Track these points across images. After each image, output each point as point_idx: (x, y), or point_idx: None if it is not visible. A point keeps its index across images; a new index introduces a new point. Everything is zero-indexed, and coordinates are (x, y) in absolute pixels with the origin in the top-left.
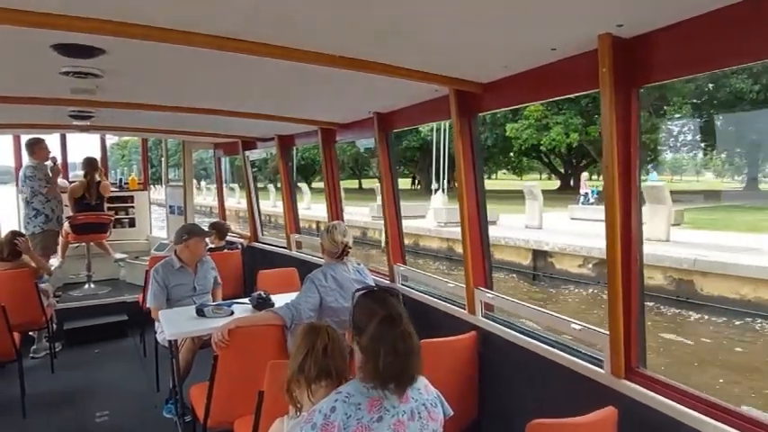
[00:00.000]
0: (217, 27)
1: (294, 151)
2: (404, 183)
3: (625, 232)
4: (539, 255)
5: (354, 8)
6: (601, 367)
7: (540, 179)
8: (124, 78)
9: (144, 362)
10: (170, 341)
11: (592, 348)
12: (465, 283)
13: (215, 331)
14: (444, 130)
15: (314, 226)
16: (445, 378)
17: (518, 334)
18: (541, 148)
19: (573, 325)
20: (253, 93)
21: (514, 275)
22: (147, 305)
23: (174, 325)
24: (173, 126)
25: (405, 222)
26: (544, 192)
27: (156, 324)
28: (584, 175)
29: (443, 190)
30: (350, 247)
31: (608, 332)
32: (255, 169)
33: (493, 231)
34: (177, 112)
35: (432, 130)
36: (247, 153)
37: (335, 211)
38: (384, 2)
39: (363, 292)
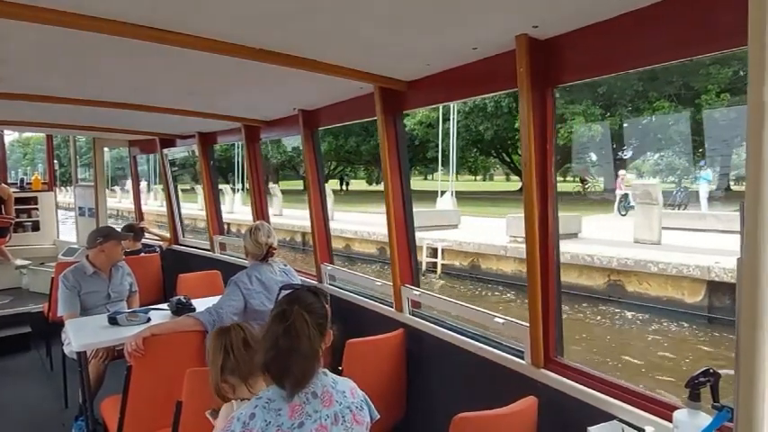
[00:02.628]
0: (125, 13)
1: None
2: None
3: (542, 229)
4: (717, 288)
5: (277, 2)
6: (522, 358)
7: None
8: (22, 67)
9: (50, 377)
10: (78, 353)
11: (514, 341)
12: (392, 281)
13: (128, 340)
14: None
15: (298, 238)
16: (373, 376)
17: (444, 330)
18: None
19: (496, 319)
20: (169, 87)
21: (685, 323)
22: (59, 313)
23: (82, 335)
24: (81, 121)
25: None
26: (505, 193)
27: (63, 335)
28: (622, 172)
29: (452, 193)
30: (275, 248)
31: (528, 324)
32: (176, 168)
33: (588, 248)
34: (85, 105)
35: (419, 123)
36: (165, 151)
37: (260, 211)
38: None
39: (287, 291)
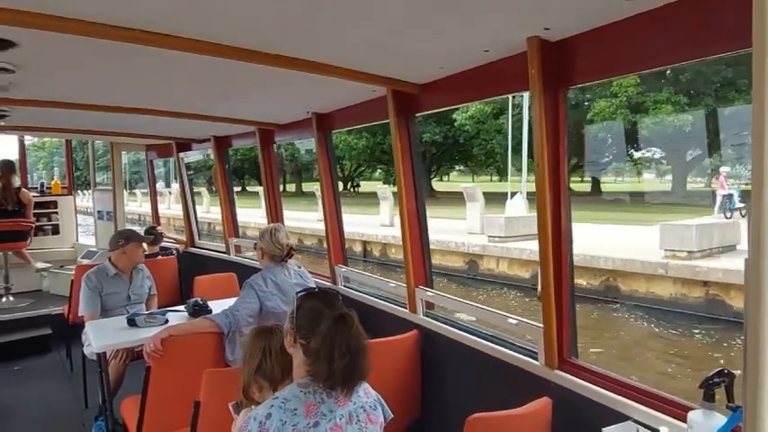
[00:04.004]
0: (141, 20)
1: (230, 153)
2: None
3: (555, 230)
4: None
5: (289, 5)
6: (536, 359)
7: (491, 180)
8: (41, 74)
9: (71, 377)
10: (98, 354)
11: (528, 342)
12: (406, 282)
13: (147, 341)
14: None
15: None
16: (388, 377)
17: (458, 331)
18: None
19: (509, 320)
20: (185, 91)
21: None
22: (80, 313)
23: (102, 336)
24: (98, 126)
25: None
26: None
27: (83, 336)
28: (724, 169)
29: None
30: (294, 250)
31: (542, 326)
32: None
33: None
34: (102, 111)
35: (470, 118)
36: (182, 155)
37: (275, 214)
38: (320, 3)
39: (304, 293)
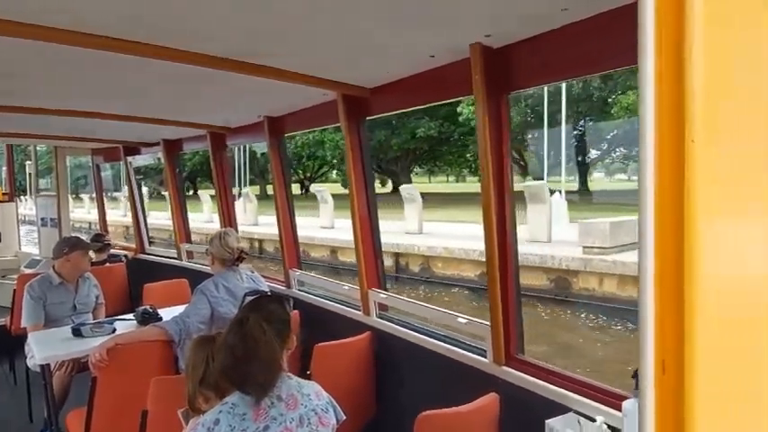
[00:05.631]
0: (88, 23)
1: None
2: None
3: (501, 231)
4: None
5: (236, 9)
6: (485, 357)
7: (447, 181)
8: None
9: (14, 391)
10: (42, 366)
11: (476, 340)
12: (359, 285)
13: (92, 351)
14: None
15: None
16: (342, 379)
17: (411, 331)
18: None
19: (459, 319)
20: (132, 94)
21: None
22: (23, 324)
23: (45, 347)
24: (41, 130)
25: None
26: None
27: (26, 348)
28: None
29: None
30: (246, 253)
31: (489, 324)
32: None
33: None
34: (45, 114)
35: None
36: (130, 159)
37: (228, 218)
38: (268, 6)
39: (252, 297)
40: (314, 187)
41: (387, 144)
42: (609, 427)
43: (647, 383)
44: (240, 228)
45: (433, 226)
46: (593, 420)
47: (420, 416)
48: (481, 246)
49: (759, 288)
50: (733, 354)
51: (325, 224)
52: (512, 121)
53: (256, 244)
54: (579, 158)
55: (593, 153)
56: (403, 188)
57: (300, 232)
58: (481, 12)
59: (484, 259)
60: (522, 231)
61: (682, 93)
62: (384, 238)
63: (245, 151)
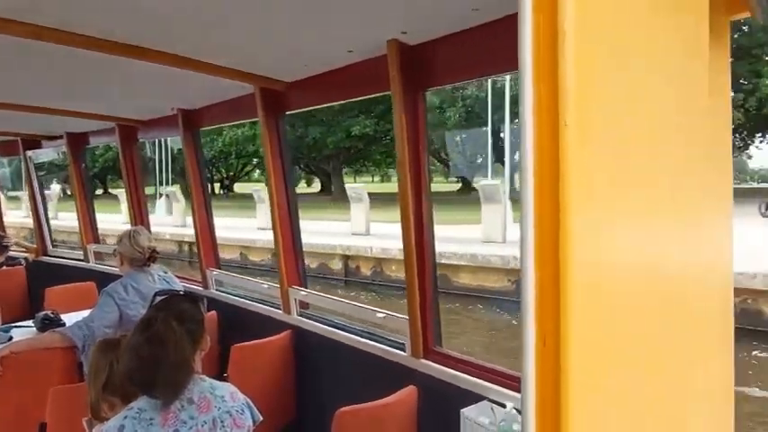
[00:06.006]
0: None
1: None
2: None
3: (418, 227)
4: None
5: None
6: (404, 350)
7: (372, 181)
8: None
9: None
10: None
11: (396, 334)
12: (279, 283)
13: None
14: None
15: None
16: (261, 379)
17: (332, 329)
18: None
19: (378, 314)
20: (29, 82)
21: None
22: None
23: None
24: None
25: None
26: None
27: None
28: None
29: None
30: (157, 252)
31: (408, 317)
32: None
33: None
34: None
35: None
36: (30, 154)
37: (140, 217)
38: None
39: (162, 297)
40: (252, 187)
41: (322, 142)
42: (518, 411)
43: (530, 355)
44: (168, 230)
45: (379, 227)
46: (504, 407)
47: (338, 412)
48: (440, 247)
49: (626, 269)
50: (603, 328)
51: (263, 225)
52: (450, 120)
53: (186, 247)
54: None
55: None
56: (350, 187)
57: (238, 234)
58: (397, 8)
59: (443, 261)
60: (477, 231)
61: (555, 89)
62: (330, 240)
63: (166, 148)
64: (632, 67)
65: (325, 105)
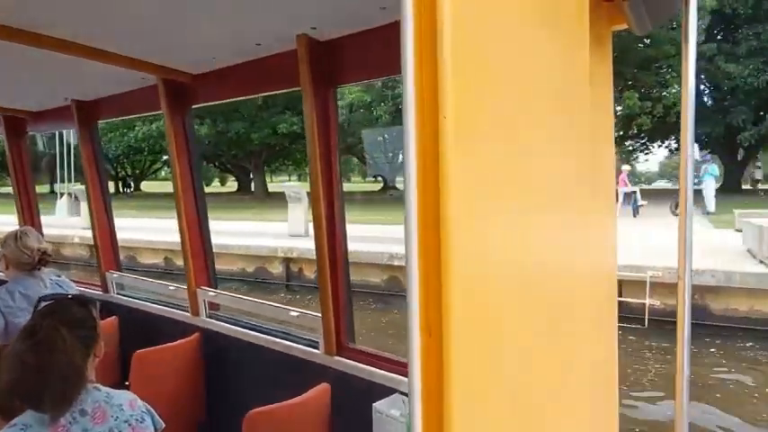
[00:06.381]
0: None
1: None
2: None
3: (330, 224)
4: None
5: None
6: (317, 348)
7: (290, 179)
8: None
9: None
10: None
11: (310, 332)
12: (187, 284)
13: None
14: None
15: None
16: (166, 386)
17: (244, 329)
18: None
19: (291, 313)
20: None
21: None
22: None
23: None
24: None
25: None
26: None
27: None
28: (626, 168)
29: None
30: (49, 255)
31: (321, 315)
32: None
33: None
34: None
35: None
36: None
37: (29, 217)
38: None
39: (48, 302)
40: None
41: (245, 138)
42: None
43: (415, 345)
44: (78, 232)
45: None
46: None
47: (248, 414)
48: (392, 248)
49: (507, 262)
50: (485, 319)
51: (298, 231)
52: (380, 119)
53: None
54: None
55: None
56: (287, 186)
57: (166, 237)
58: (307, 3)
59: (396, 263)
60: (395, 232)
61: (435, 88)
62: (268, 242)
63: (68, 144)
64: (513, 67)
65: (245, 99)
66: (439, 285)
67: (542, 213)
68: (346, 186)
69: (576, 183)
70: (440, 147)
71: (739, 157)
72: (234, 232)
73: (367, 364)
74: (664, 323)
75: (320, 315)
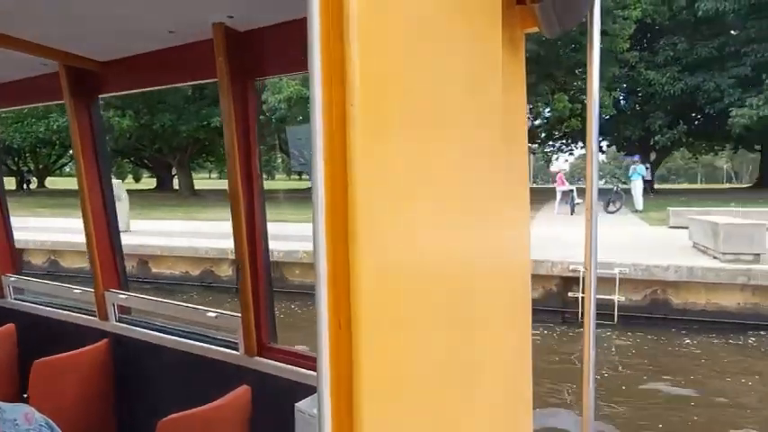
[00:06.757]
0: None
1: None
2: None
3: (249, 221)
4: None
5: None
6: (237, 349)
7: (210, 177)
8: None
9: None
10: None
11: (229, 334)
12: (94, 287)
13: None
14: None
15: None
16: (71, 396)
17: (158, 333)
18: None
19: (209, 314)
20: None
21: None
22: None
23: None
24: None
25: None
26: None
27: None
28: (563, 168)
29: None
30: None
31: (240, 315)
32: None
33: None
34: None
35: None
36: None
37: None
38: None
39: None
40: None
41: (172, 131)
42: None
43: (324, 337)
44: None
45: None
46: None
47: (161, 422)
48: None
49: (418, 256)
50: (389, 311)
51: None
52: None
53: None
54: None
55: None
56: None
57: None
58: None
59: (212, 256)
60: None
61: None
62: (213, 243)
63: None
64: (423, 62)
65: (173, 90)
66: (348, 277)
67: (452, 209)
68: (275, 184)
69: (488, 181)
70: (347, 137)
71: (652, 159)
72: (169, 233)
73: (290, 364)
74: (632, 318)
75: (239, 314)
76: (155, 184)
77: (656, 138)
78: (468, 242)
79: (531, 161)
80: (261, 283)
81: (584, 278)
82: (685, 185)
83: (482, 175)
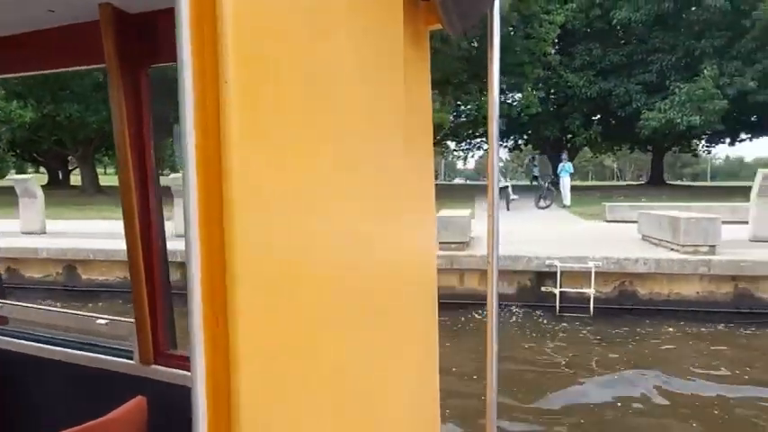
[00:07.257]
0: None
1: None
2: None
3: (143, 219)
4: None
5: None
6: (131, 359)
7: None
8: None
9: None
10: None
11: (123, 342)
12: None
13: None
14: None
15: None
16: None
17: (41, 345)
18: None
19: (98, 321)
20: None
21: None
22: None
23: None
24: None
25: None
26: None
27: None
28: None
29: None
30: None
31: (134, 321)
32: None
33: None
34: None
35: None
36: None
37: None
38: None
39: None
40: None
41: (79, 122)
42: None
43: (199, 335)
44: None
45: None
46: None
47: None
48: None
49: (297, 250)
50: (265, 307)
51: (33, 228)
52: None
53: None
54: None
55: None
56: (172, 179)
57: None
58: None
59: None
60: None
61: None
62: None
63: None
64: (309, 52)
65: (77, 77)
66: (224, 272)
67: (347, 207)
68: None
69: (388, 178)
70: (221, 119)
71: (563, 156)
72: (92, 233)
73: (188, 370)
74: (607, 311)
75: (132, 321)
76: (46, 180)
77: (574, 138)
78: (366, 242)
79: (449, 159)
80: (158, 285)
81: (487, 272)
82: (578, 182)
83: (381, 172)
